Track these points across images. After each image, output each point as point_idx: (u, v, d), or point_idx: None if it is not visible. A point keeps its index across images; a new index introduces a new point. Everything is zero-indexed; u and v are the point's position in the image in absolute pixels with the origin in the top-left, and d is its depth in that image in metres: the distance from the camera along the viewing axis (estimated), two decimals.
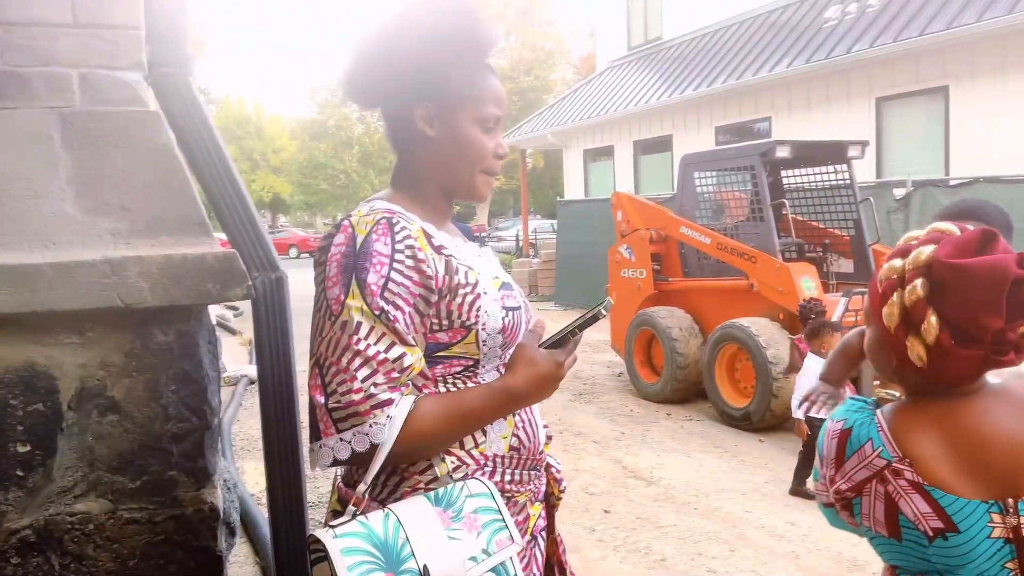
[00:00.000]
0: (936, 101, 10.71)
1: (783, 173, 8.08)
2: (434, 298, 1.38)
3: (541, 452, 1.57)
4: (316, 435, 1.33)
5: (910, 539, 1.33)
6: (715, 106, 14.40)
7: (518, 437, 1.49)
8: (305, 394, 1.49)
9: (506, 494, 1.45)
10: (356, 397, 1.29)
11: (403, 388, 1.33)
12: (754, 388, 6.68)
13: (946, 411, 1.35)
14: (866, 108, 11.60)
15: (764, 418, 6.59)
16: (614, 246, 8.62)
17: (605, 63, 19.51)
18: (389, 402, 1.30)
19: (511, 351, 1.47)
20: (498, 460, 1.45)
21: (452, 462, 1.41)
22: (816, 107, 12.38)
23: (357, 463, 1.35)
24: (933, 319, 1.30)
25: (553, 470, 1.65)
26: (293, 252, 35.21)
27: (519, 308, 1.51)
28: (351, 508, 1.34)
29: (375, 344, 1.31)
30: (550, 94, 30.65)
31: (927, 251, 1.32)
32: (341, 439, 1.30)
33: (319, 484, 5.11)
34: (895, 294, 1.35)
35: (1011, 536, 1.30)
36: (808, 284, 6.63)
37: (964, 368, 1.33)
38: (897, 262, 1.37)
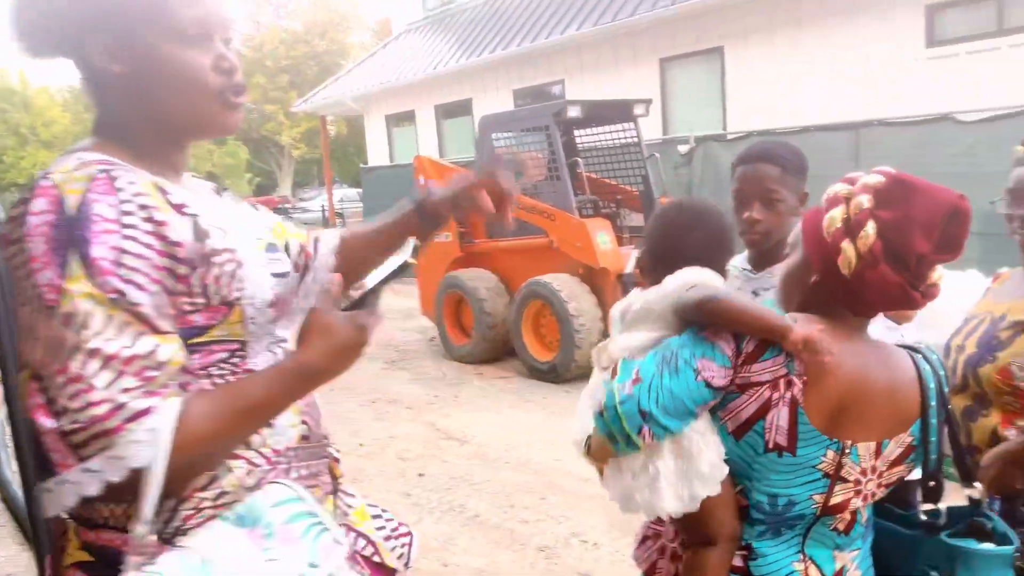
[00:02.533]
0: (713, 61, 11.43)
1: (576, 133, 8.34)
2: (183, 270, 1.10)
3: (325, 436, 1.37)
4: (48, 471, 1.01)
5: (748, 443, 1.38)
6: (512, 69, 14.60)
7: (306, 423, 1.29)
8: None
9: None
10: (100, 411, 0.98)
11: (164, 390, 1.03)
12: (559, 342, 6.91)
13: (834, 339, 1.37)
14: (651, 69, 12.19)
15: (570, 369, 6.85)
16: None
17: (402, 26, 19.23)
18: (147, 411, 1.00)
19: (292, 324, 1.27)
20: (291, 454, 1.24)
21: (241, 466, 1.16)
22: (606, 69, 12.86)
23: (114, 498, 1.04)
24: (871, 227, 1.35)
25: (331, 450, 1.44)
26: None
27: (287, 274, 1.31)
28: (132, 560, 1.03)
29: (116, 337, 1.01)
30: (347, 59, 29.88)
31: (878, 176, 1.39)
32: (87, 469, 0.99)
33: None
34: (839, 208, 1.39)
35: (832, 472, 1.38)
36: (604, 239, 6.91)
37: (880, 292, 1.37)
38: (842, 186, 1.42)
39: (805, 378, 1.34)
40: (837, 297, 1.41)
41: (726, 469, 1.38)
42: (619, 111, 7.89)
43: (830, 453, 1.36)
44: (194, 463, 1.08)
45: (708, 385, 1.34)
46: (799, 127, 8.66)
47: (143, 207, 1.09)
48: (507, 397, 6.74)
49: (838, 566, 1.43)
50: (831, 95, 9.75)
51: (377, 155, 18.81)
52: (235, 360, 1.18)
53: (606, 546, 3.94)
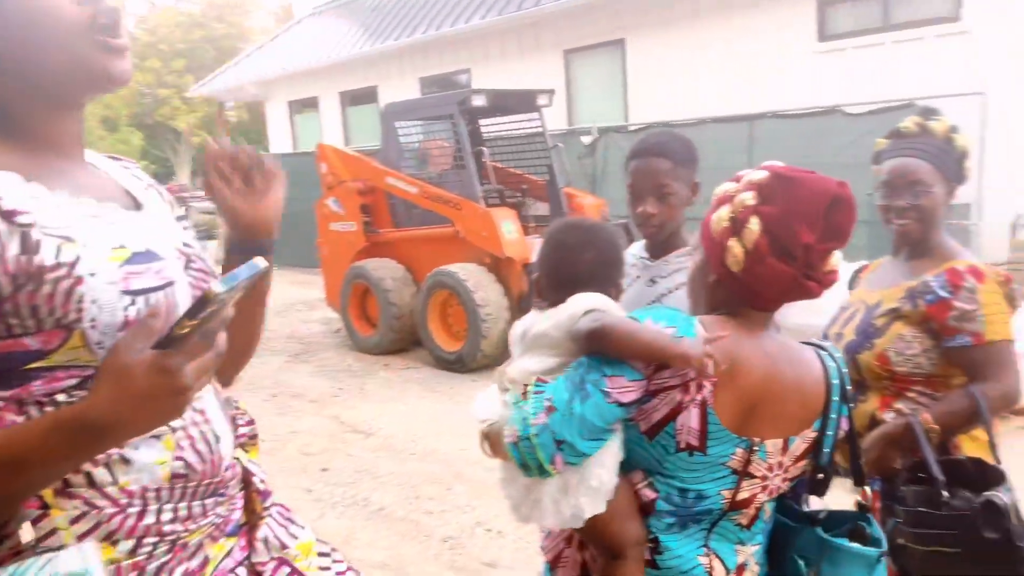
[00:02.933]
0: (615, 53, 11.60)
1: (482, 122, 8.33)
2: (7, 288, 0.97)
3: (228, 468, 1.20)
4: None
5: (660, 443, 1.39)
6: (418, 57, 14.46)
7: (184, 460, 1.11)
8: None
9: (167, 537, 1.08)
10: None
11: None
12: (466, 331, 6.90)
13: (743, 338, 1.41)
14: (556, 59, 12.28)
15: (476, 359, 6.85)
16: (321, 199, 8.40)
17: (305, 10, 18.77)
18: None
19: None
20: (151, 495, 1.07)
21: (75, 508, 1.01)
22: (511, 59, 12.88)
23: None
24: (755, 223, 1.37)
25: (256, 481, 1.27)
26: None
27: (156, 289, 1.08)
28: None
29: None
30: (247, 43, 28.98)
31: (761, 173, 1.41)
32: None
33: None
34: (725, 207, 1.42)
35: (740, 469, 1.41)
36: (509, 228, 6.93)
37: (773, 286, 1.40)
38: (729, 185, 1.44)
39: (714, 379, 1.35)
40: (736, 295, 1.44)
41: (613, 484, 1.39)
42: (523, 101, 7.91)
43: (739, 451, 1.39)
44: None
45: (620, 404, 1.34)
46: (696, 119, 8.88)
47: None
48: (414, 388, 6.69)
49: (740, 560, 1.47)
50: (727, 88, 10.03)
51: (279, 142, 18.34)
52: (87, 385, 1.02)
53: (511, 535, 3.96)
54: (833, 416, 1.45)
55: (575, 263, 1.58)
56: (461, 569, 3.67)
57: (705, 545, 1.44)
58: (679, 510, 1.42)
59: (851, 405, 1.51)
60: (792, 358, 1.46)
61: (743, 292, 1.43)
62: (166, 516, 1.09)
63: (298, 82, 17.20)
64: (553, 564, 1.57)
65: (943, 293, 2.04)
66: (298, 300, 10.93)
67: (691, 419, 1.36)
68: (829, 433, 1.45)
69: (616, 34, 11.43)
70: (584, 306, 1.46)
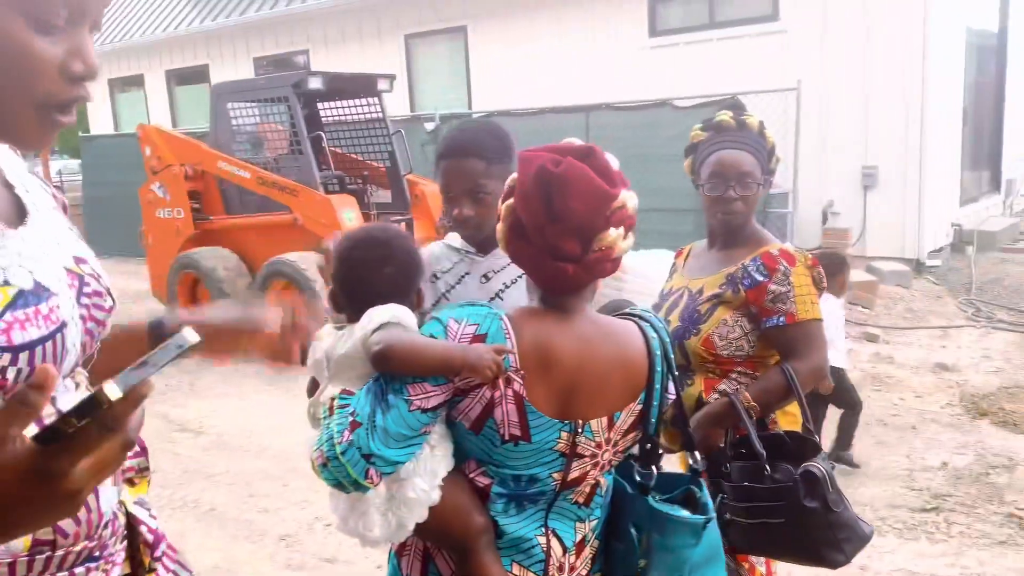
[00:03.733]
0: (457, 40, 11.57)
1: (320, 106, 8.08)
2: None
3: (107, 525, 1.02)
4: None
5: (486, 436, 1.39)
6: (252, 36, 13.84)
7: (54, 527, 0.94)
8: None
9: None
10: None
11: None
12: None
13: (553, 325, 1.41)
14: (396, 44, 12.11)
15: None
16: (145, 184, 7.90)
17: None
18: None
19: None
20: (2, 571, 0.92)
21: None
22: (351, 42, 12.58)
23: None
24: (504, 209, 1.41)
25: (143, 531, 1.11)
26: None
27: (45, 339, 0.88)
28: None
29: None
30: None
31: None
32: None
33: None
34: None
35: (568, 451, 1.41)
36: (350, 215, 6.77)
37: (531, 269, 1.41)
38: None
39: (523, 373, 1.36)
40: (537, 283, 1.46)
41: (435, 494, 1.38)
42: (363, 85, 7.74)
43: (564, 435, 1.40)
44: None
45: (424, 410, 1.34)
46: (536, 109, 9.02)
47: None
48: (250, 382, 6.42)
49: (579, 536, 1.49)
50: (565, 79, 10.23)
51: (100, 123, 17.09)
52: None
53: None
54: (657, 386, 1.47)
55: (372, 279, 1.54)
56: (299, 567, 3.56)
57: (544, 525, 1.46)
58: (513, 493, 1.43)
59: (676, 372, 1.54)
60: (611, 336, 1.47)
61: (532, 279, 1.46)
62: None
63: (121, 58, 16.06)
64: (398, 552, 1.56)
65: (759, 277, 2.15)
66: (121, 291, 10.20)
67: (509, 413, 1.37)
68: (654, 404, 1.47)
69: (458, 21, 11.40)
70: (377, 322, 1.43)
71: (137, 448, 1.14)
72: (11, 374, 0.84)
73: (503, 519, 1.43)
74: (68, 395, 0.97)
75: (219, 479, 4.51)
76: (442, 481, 1.40)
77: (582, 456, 1.43)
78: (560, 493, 1.46)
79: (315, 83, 7.02)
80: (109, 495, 1.02)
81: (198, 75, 14.97)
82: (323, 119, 8.12)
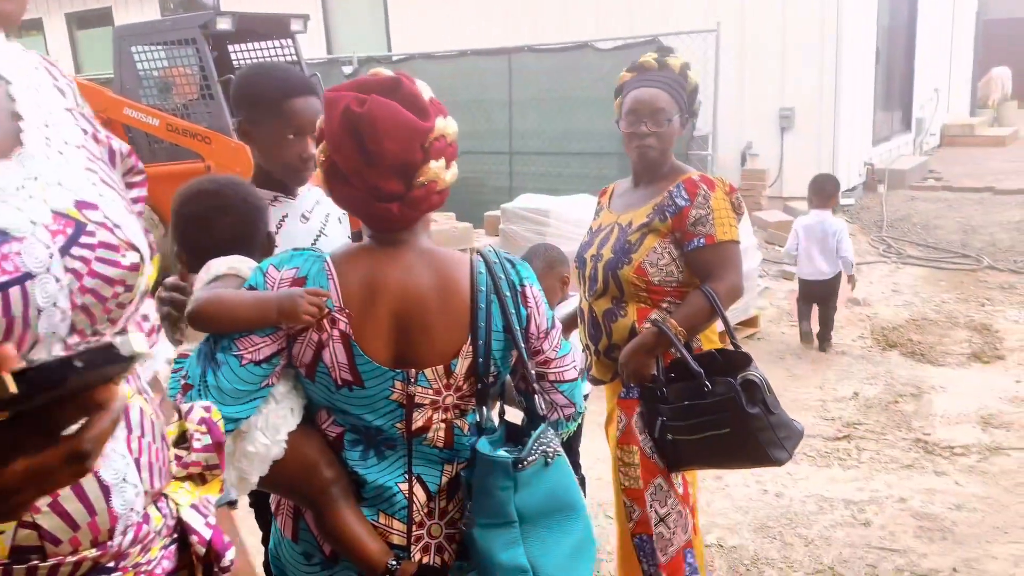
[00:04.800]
0: None
1: (231, 48, 7.74)
2: None
3: (128, 530, 0.87)
4: None
5: (321, 382, 1.36)
6: None
7: (37, 526, 0.80)
8: None
9: None
10: None
11: None
12: None
13: (376, 262, 1.37)
14: None
15: None
16: None
17: None
18: None
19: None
20: None
21: None
22: None
23: None
24: (320, 147, 1.38)
25: (194, 540, 0.95)
26: None
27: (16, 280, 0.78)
28: None
29: None
30: None
31: None
32: None
33: None
34: None
35: (405, 401, 1.38)
36: None
37: (356, 210, 1.38)
38: None
39: (348, 311, 1.33)
40: (364, 225, 1.44)
41: (277, 449, 1.35)
42: (275, 26, 7.44)
43: (398, 384, 1.36)
44: None
45: (257, 362, 1.31)
46: (457, 51, 8.84)
47: None
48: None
49: (445, 479, 1.44)
50: (487, 21, 10.05)
51: None
52: None
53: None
54: (481, 324, 1.39)
55: (211, 232, 1.52)
56: None
57: (408, 471, 1.42)
58: (366, 439, 1.40)
59: (512, 302, 1.42)
60: (435, 267, 1.40)
61: (360, 219, 1.43)
62: None
63: None
64: (275, 512, 1.53)
65: (682, 202, 2.23)
66: None
67: (338, 354, 1.34)
68: (481, 342, 1.39)
69: None
70: (212, 274, 1.41)
71: (208, 441, 0.99)
72: None
73: (363, 468, 1.40)
74: None
75: None
76: (287, 435, 1.37)
77: (421, 405, 1.39)
78: (412, 440, 1.41)
79: (224, 23, 6.71)
80: (128, 494, 0.85)
81: (101, 18, 14.19)
82: (234, 62, 7.79)
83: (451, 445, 1.44)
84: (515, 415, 1.56)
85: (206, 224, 1.53)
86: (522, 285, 1.46)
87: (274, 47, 7.68)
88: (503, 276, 1.44)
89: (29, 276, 0.78)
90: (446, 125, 1.36)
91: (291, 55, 7.62)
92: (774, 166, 9.09)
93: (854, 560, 3.12)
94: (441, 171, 1.35)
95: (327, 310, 1.32)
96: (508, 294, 1.43)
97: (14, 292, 0.76)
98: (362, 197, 1.34)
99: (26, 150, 0.84)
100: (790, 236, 5.70)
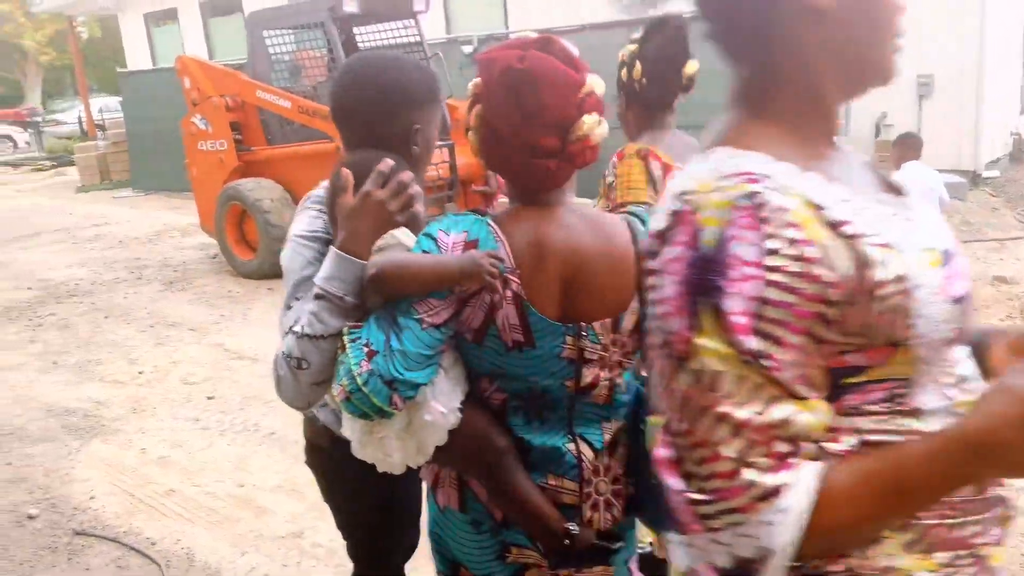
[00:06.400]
0: None
1: (356, 31, 7.95)
2: (834, 313, 0.87)
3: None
4: (677, 526, 0.92)
5: (490, 346, 1.37)
6: None
7: None
8: None
9: (973, 551, 0.95)
10: (727, 485, 0.85)
11: (795, 463, 0.86)
12: None
13: (540, 221, 1.38)
14: None
15: None
16: (187, 117, 7.90)
17: None
18: (778, 491, 0.84)
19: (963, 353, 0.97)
20: (965, 507, 0.94)
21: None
22: None
23: (744, 573, 0.89)
24: (474, 111, 1.38)
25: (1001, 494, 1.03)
26: None
27: (967, 296, 0.96)
28: None
29: (746, 403, 0.85)
30: None
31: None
32: (716, 541, 0.88)
33: None
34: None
35: (576, 357, 1.39)
36: None
37: (511, 173, 1.39)
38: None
39: (519, 271, 1.34)
40: (510, 184, 1.45)
41: (453, 417, 1.37)
42: (399, 7, 7.57)
43: (569, 339, 1.38)
44: (828, 546, 0.89)
45: (436, 326, 1.33)
46: (577, 26, 8.77)
47: (792, 242, 0.85)
48: None
49: (607, 437, 1.46)
50: None
51: (137, 58, 17.10)
52: (896, 399, 0.92)
53: None
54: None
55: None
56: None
57: (569, 432, 1.44)
58: (528, 403, 1.42)
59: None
60: (598, 227, 1.42)
61: (511, 182, 1.44)
62: (970, 529, 0.93)
63: None
64: (434, 485, 1.55)
65: (608, 174, 2.36)
66: (170, 226, 10.38)
67: (510, 316, 1.35)
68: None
69: None
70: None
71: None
72: (957, 321, 0.92)
73: (527, 433, 1.42)
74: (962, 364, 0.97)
75: (277, 405, 4.57)
76: (460, 404, 1.40)
77: (590, 360, 1.41)
78: (576, 398, 1.43)
79: (350, 6, 6.90)
80: None
81: (232, 5, 14.83)
82: (359, 44, 7.99)
83: (610, 402, 1.46)
84: None
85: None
86: None
87: (397, 28, 7.83)
88: None
89: (967, 294, 0.96)
90: (595, 81, 1.37)
91: (414, 35, 7.75)
92: None
93: None
94: (594, 126, 1.36)
95: (502, 273, 1.33)
96: None
97: (969, 301, 0.97)
98: (517, 156, 1.35)
99: (901, 206, 0.99)
100: None
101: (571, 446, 1.43)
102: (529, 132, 1.33)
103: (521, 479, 1.40)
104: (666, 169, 2.23)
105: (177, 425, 4.43)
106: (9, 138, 23.75)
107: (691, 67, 2.32)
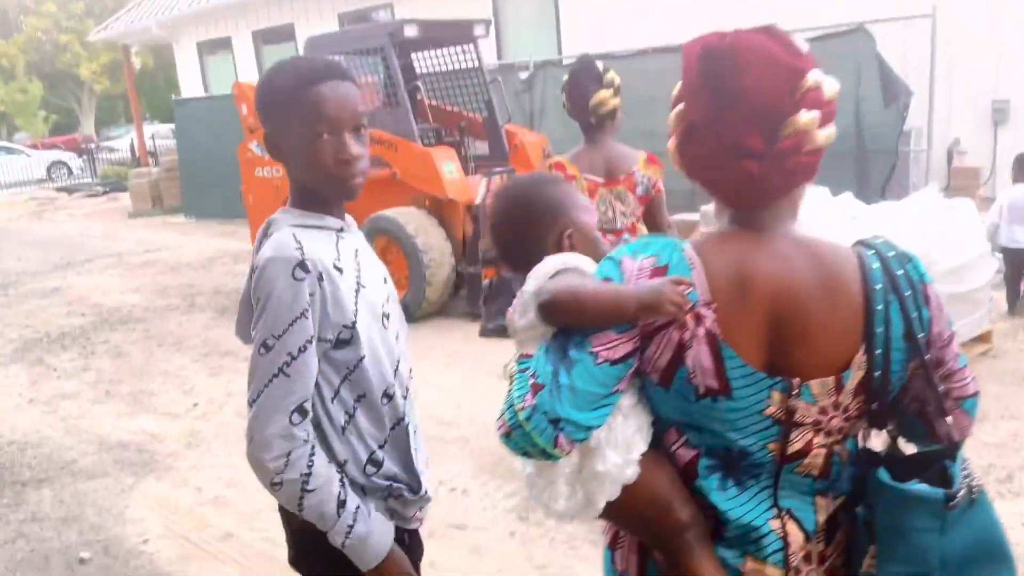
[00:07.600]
0: None
1: (413, 56, 7.84)
2: None
3: None
4: None
5: (679, 391, 1.15)
6: None
7: None
8: None
9: None
10: None
11: None
12: (408, 279, 6.54)
13: (746, 250, 1.15)
14: None
15: (421, 307, 6.52)
16: (243, 143, 7.84)
17: None
18: None
19: None
20: None
21: None
22: None
23: None
24: (674, 111, 1.19)
25: None
26: None
27: None
28: None
29: None
30: None
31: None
32: None
33: None
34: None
35: (783, 418, 1.14)
36: (450, 168, 6.55)
37: (717, 176, 1.17)
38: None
39: (715, 305, 1.11)
40: (715, 199, 1.23)
41: (630, 471, 1.16)
42: (458, 32, 7.45)
43: (776, 395, 1.13)
44: None
45: (612, 362, 1.12)
46: (633, 51, 8.56)
47: None
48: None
49: (822, 516, 1.20)
50: (660, 19, 9.70)
51: (190, 86, 17.33)
52: None
53: (475, 492, 3.71)
54: (878, 330, 1.15)
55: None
56: (429, 534, 3.40)
57: (775, 504, 1.18)
58: (724, 465, 1.17)
59: (913, 315, 1.17)
60: (819, 259, 1.16)
61: (712, 194, 1.21)
62: None
63: (207, 21, 16.17)
64: (611, 545, 1.32)
65: None
66: (221, 252, 10.33)
67: (702, 357, 1.12)
68: (877, 352, 1.15)
69: None
70: (550, 271, 1.28)
71: None
72: None
73: (722, 499, 1.17)
74: None
75: None
76: (640, 457, 1.17)
77: (801, 424, 1.15)
78: (783, 466, 1.17)
79: (411, 31, 6.76)
80: None
81: (284, 33, 14.95)
82: (417, 70, 7.88)
83: (827, 475, 1.20)
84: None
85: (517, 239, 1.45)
86: (922, 283, 1.20)
87: (456, 53, 7.70)
88: (901, 271, 1.18)
89: None
90: (826, 79, 1.12)
91: (473, 60, 7.61)
92: (986, 164, 8.23)
93: None
94: (813, 125, 1.10)
95: (691, 304, 1.10)
96: (908, 293, 1.17)
97: None
98: (714, 156, 1.13)
99: None
100: (992, 209, 5.82)
101: (776, 523, 1.17)
102: (725, 123, 1.10)
103: (703, 564, 1.15)
104: (569, 180, 2.44)
105: (232, 462, 4.23)
106: (64, 164, 24.20)
107: (595, 99, 2.98)
